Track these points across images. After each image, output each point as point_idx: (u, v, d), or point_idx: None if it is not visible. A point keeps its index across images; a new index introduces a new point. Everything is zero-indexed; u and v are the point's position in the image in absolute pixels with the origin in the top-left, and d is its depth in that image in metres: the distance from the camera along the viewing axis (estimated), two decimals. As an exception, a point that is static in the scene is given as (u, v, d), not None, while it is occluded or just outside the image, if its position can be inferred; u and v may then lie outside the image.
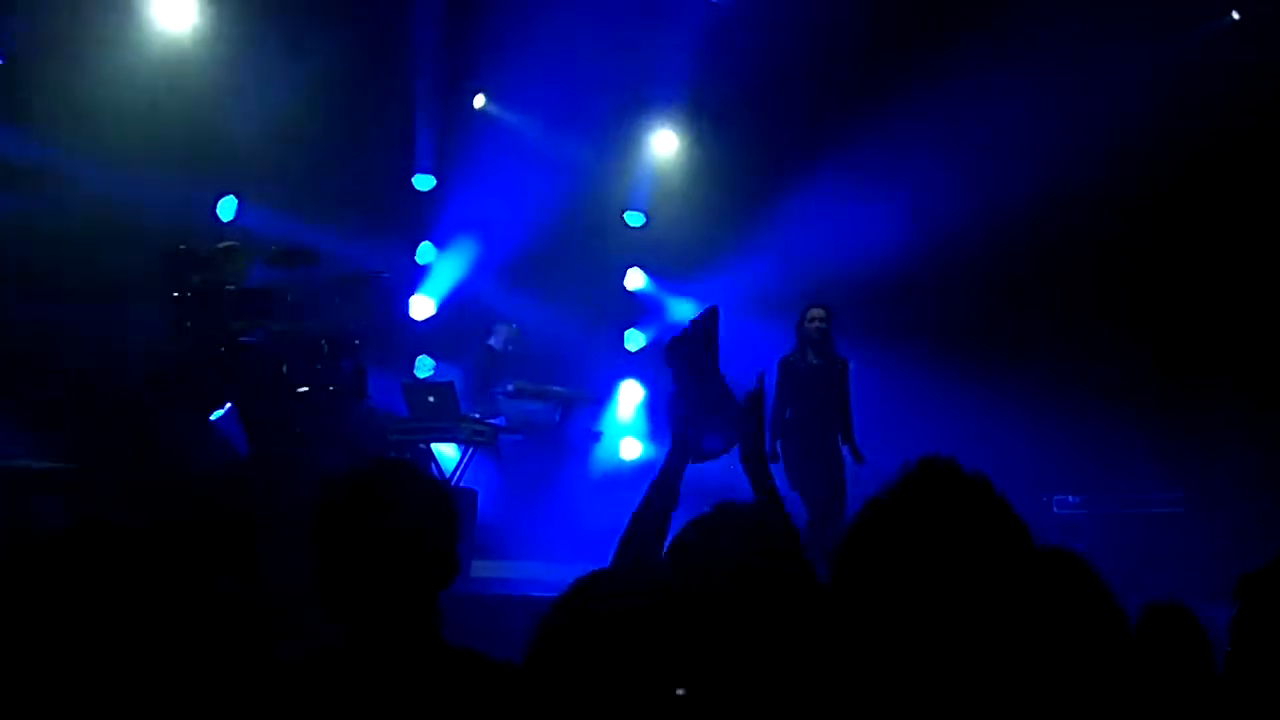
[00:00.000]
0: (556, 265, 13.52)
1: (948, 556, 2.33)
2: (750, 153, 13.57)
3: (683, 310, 14.06)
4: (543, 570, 10.32)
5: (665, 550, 3.31)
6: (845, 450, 10.25)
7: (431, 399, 11.08)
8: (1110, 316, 12.33)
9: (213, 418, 10.14)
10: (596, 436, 12.55)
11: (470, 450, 11.20)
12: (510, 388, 11.81)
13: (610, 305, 14.26)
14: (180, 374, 9.91)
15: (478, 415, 11.29)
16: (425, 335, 13.32)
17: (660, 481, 3.82)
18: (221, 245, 10.73)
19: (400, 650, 2.83)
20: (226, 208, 11.85)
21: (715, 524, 3.16)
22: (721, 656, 2.65)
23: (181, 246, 10.65)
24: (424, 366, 13.18)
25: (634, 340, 14.37)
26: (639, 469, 13.65)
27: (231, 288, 10.47)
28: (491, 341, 12.41)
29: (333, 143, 12.50)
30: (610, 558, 3.66)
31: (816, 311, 10.39)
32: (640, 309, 14.48)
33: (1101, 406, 12.04)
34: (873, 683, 2.35)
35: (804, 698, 2.59)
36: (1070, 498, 11.60)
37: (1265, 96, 11.60)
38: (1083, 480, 11.76)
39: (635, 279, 14.40)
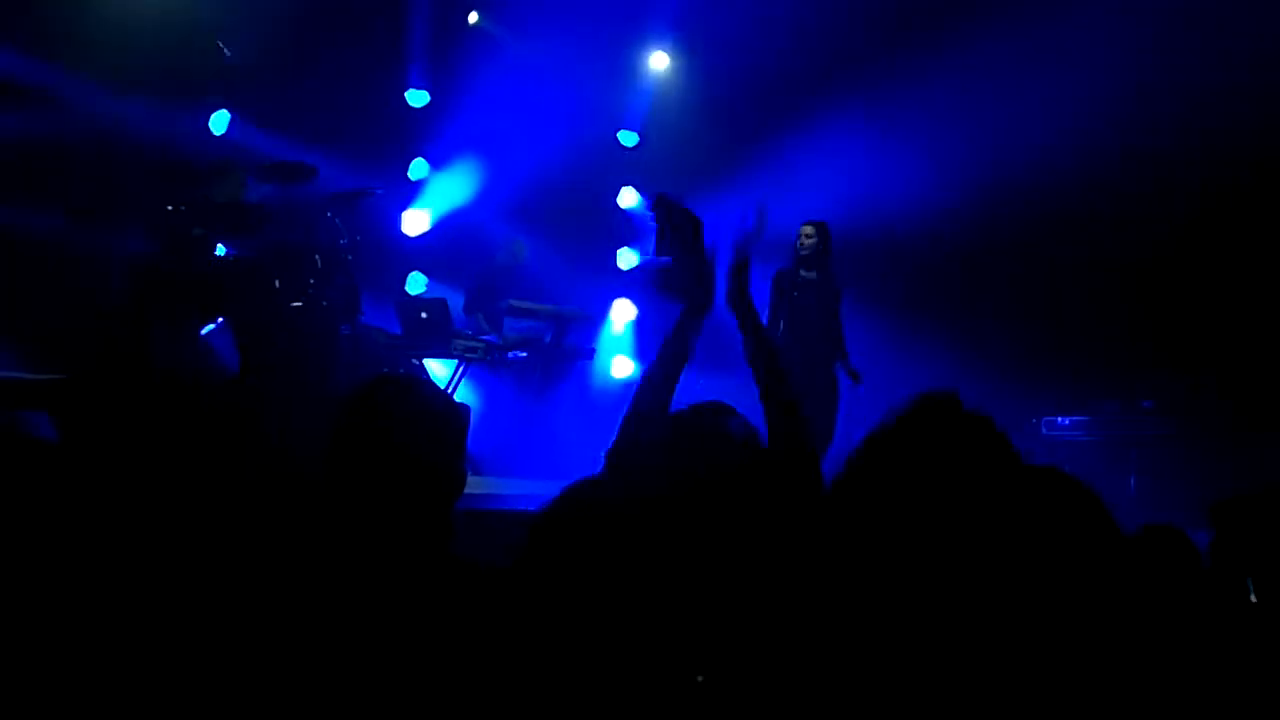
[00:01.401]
0: (549, 183, 13.46)
1: (946, 485, 2.37)
2: (752, 80, 13.42)
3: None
4: (535, 486, 10.36)
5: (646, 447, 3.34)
6: (839, 370, 10.30)
7: (424, 315, 11.08)
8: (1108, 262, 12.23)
9: (203, 332, 10.13)
10: (589, 354, 12.55)
11: (463, 366, 11.21)
12: (505, 305, 11.81)
13: (603, 224, 14.23)
14: (172, 288, 9.88)
15: (470, 332, 11.29)
16: (419, 251, 13.29)
17: (671, 340, 3.83)
18: (217, 161, 10.67)
19: (412, 563, 2.85)
20: (219, 122, 11.78)
21: (691, 425, 3.20)
22: (700, 564, 2.66)
23: (173, 162, 10.61)
24: (417, 283, 13.16)
25: (626, 259, 14.35)
26: (631, 387, 13.68)
27: (222, 202, 10.43)
28: (499, 258, 12.41)
29: (325, 58, 12.41)
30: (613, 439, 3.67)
31: (806, 229, 10.43)
32: (633, 228, 14.43)
33: (1093, 326, 12.04)
34: (870, 598, 2.38)
35: (788, 607, 2.60)
36: (1061, 419, 11.64)
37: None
38: (1073, 402, 11.80)
39: (628, 198, 14.35)
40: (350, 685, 2.64)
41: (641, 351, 13.93)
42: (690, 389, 3.93)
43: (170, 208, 10.17)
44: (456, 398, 10.96)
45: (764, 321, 9.68)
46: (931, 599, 2.37)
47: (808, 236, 10.39)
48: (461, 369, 11.25)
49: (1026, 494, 2.49)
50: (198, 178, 10.39)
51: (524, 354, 11.72)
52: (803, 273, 10.36)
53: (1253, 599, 3.46)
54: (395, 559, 2.84)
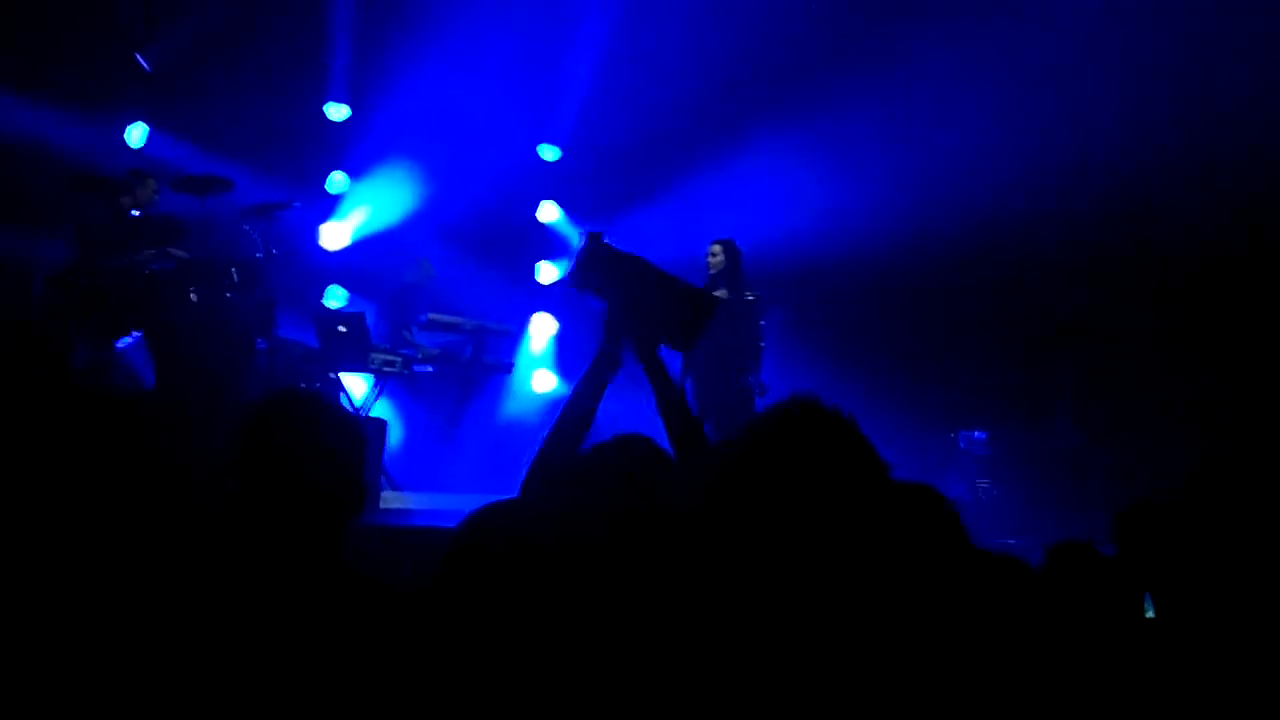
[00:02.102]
0: (470, 197, 13.44)
1: (806, 486, 2.41)
2: (681, 97, 13.43)
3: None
4: (453, 501, 10.34)
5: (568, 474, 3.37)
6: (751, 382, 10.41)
7: (342, 329, 11.03)
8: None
9: (120, 346, 10.04)
10: (509, 369, 12.55)
11: (382, 381, 11.17)
12: (423, 319, 11.78)
13: (523, 238, 14.23)
14: (89, 300, 9.79)
15: (388, 346, 11.26)
16: (337, 265, 13.24)
17: (581, 391, 3.88)
18: (130, 171, 10.59)
19: (305, 576, 2.85)
20: (136, 135, 11.70)
21: (611, 453, 3.24)
22: (604, 587, 2.66)
23: (88, 173, 10.53)
24: (335, 296, 13.11)
25: (546, 273, 14.36)
26: (551, 401, 13.70)
27: (138, 214, 10.36)
28: (407, 277, 12.38)
29: (245, 71, 12.36)
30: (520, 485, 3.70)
31: (714, 247, 10.68)
32: (553, 242, 14.45)
33: (1016, 345, 12.17)
34: (740, 609, 2.42)
35: (679, 625, 2.63)
36: (977, 433, 11.76)
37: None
38: (991, 417, 11.91)
39: (548, 212, 14.36)
40: (236, 701, 2.63)
41: (562, 365, 13.95)
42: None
43: (81, 222, 10.09)
44: (374, 413, 10.93)
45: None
46: (784, 607, 2.43)
47: (714, 255, 10.62)
48: (380, 383, 11.21)
49: (883, 511, 2.55)
50: (111, 188, 10.31)
51: (448, 367, 11.70)
52: (720, 291, 10.42)
53: (1149, 615, 3.52)
54: (289, 573, 2.85)
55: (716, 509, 2.54)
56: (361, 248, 13.29)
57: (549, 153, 14.16)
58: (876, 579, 2.50)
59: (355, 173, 13.39)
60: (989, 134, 12.13)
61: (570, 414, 3.86)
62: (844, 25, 12.74)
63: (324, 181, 13.26)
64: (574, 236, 14.33)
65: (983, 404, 12.05)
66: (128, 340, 10.02)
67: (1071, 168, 11.93)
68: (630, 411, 4.04)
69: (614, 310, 4.00)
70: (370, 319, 11.27)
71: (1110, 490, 10.36)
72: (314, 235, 13.07)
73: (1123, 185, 11.78)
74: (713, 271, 10.55)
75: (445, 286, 12.52)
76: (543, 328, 14.07)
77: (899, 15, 12.44)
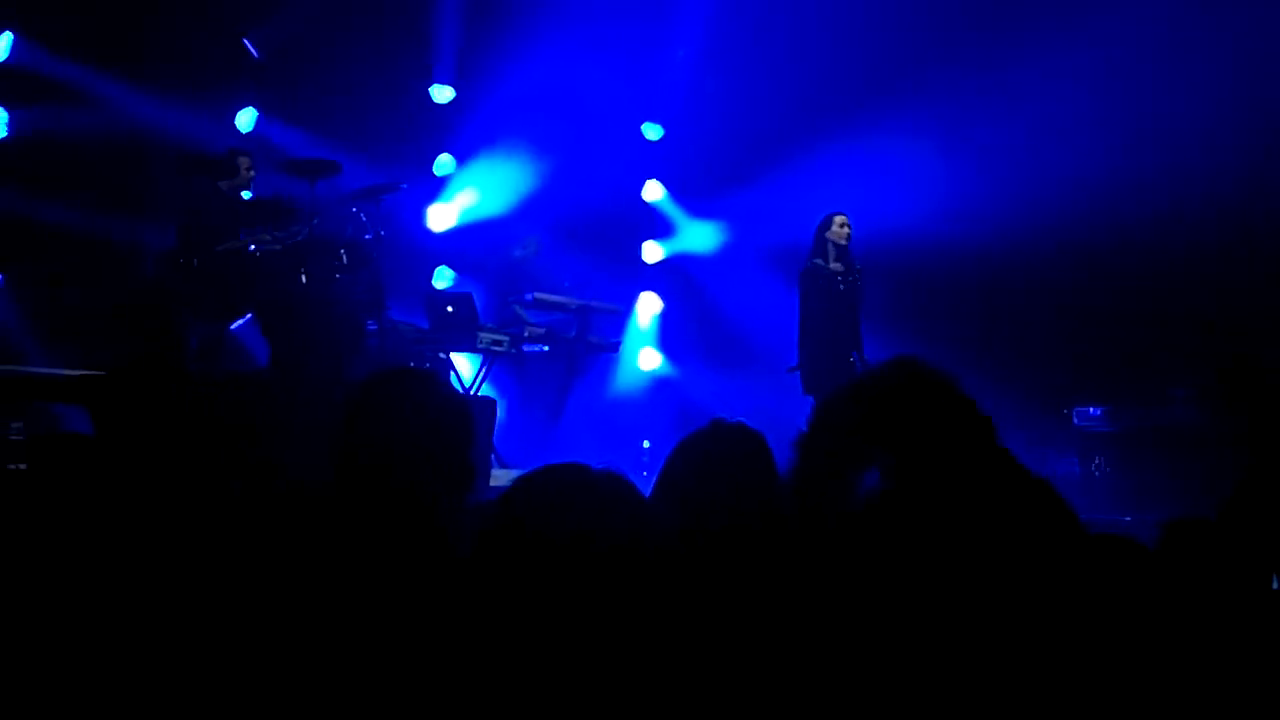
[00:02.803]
0: (575, 177, 13.46)
1: (910, 447, 2.32)
2: (784, 78, 13.30)
3: (698, 230, 14.09)
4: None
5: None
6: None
7: (450, 309, 11.10)
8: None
9: (232, 327, 10.18)
10: (615, 347, 12.55)
11: (489, 360, 11.23)
12: (530, 298, 11.82)
13: (628, 217, 14.23)
14: (201, 283, 9.93)
15: (496, 325, 11.31)
16: (445, 247, 13.33)
17: None
18: (228, 150, 10.73)
19: (411, 554, 2.85)
20: (245, 120, 11.85)
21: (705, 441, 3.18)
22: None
23: (191, 155, 10.70)
24: (443, 277, 13.20)
25: (652, 252, 14.34)
26: (656, 379, 13.71)
27: (248, 195, 10.51)
28: (515, 252, 12.43)
29: (351, 55, 12.45)
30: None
31: (844, 217, 10.49)
32: (657, 221, 14.43)
33: (1130, 317, 11.93)
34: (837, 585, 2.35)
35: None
36: (1092, 409, 11.55)
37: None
38: (1107, 392, 11.69)
39: (653, 191, 14.34)
40: (343, 681, 2.64)
41: (666, 344, 13.95)
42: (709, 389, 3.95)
43: (197, 203, 10.25)
44: (483, 391, 10.98)
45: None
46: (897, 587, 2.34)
47: (848, 226, 10.49)
48: (488, 362, 11.26)
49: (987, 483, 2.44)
50: (211, 168, 10.46)
51: (555, 346, 11.73)
52: (834, 265, 10.38)
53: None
54: (395, 553, 2.85)
55: (810, 472, 2.45)
56: (468, 228, 13.38)
57: (653, 132, 14.14)
58: (985, 554, 2.41)
59: (461, 154, 13.46)
60: (1110, 116, 11.94)
61: None
62: (965, 4, 12.56)
63: (431, 164, 13.34)
64: (678, 215, 14.33)
65: (1099, 380, 11.83)
66: (240, 322, 10.16)
67: (1197, 150, 11.65)
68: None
69: None
70: (478, 299, 11.32)
71: (1230, 468, 10.14)
72: (421, 217, 13.17)
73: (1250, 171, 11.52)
74: (843, 244, 10.47)
75: (551, 266, 12.55)
76: (648, 306, 14.07)
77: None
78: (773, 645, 2.45)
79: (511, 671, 2.27)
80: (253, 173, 10.63)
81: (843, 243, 10.46)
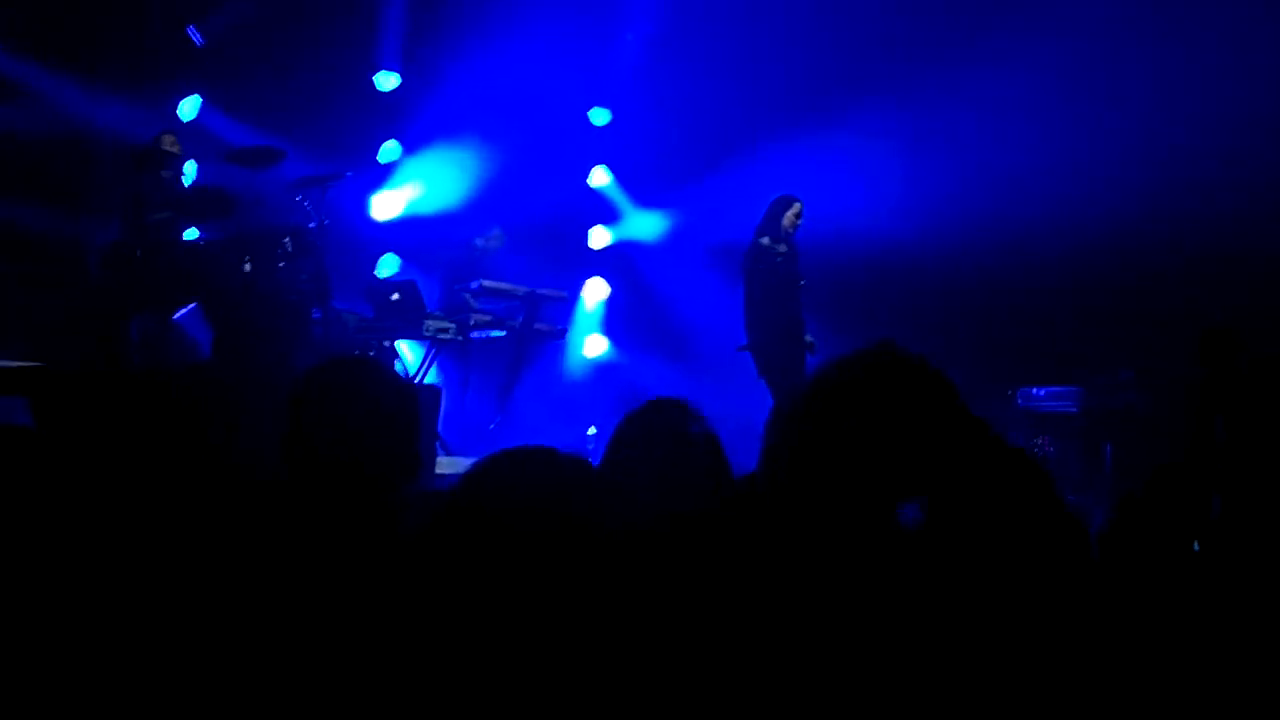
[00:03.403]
0: (520, 162, 13.44)
1: (882, 440, 2.27)
2: (735, 64, 13.28)
3: (644, 219, 14.11)
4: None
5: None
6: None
7: (395, 297, 11.06)
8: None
9: (175, 317, 10.11)
10: (562, 334, 12.54)
11: (435, 348, 11.20)
12: (476, 286, 11.79)
13: (574, 203, 14.22)
14: (145, 274, 9.87)
15: (441, 313, 11.27)
16: (390, 235, 13.28)
17: None
18: (156, 136, 10.64)
19: (359, 542, 2.85)
20: (188, 108, 11.77)
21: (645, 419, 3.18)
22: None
23: (127, 146, 10.63)
24: (388, 265, 13.15)
25: (598, 238, 14.35)
26: (602, 366, 13.72)
27: (190, 185, 10.46)
28: (477, 242, 12.40)
29: (296, 42, 12.37)
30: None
31: (800, 205, 10.53)
32: (604, 207, 14.44)
33: (1070, 297, 12.01)
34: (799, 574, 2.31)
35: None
36: (1036, 390, 11.65)
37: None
38: (1049, 374, 11.78)
39: (600, 177, 14.33)
40: (298, 668, 2.63)
41: (612, 330, 13.97)
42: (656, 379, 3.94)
43: (137, 194, 10.17)
44: (428, 380, 10.96)
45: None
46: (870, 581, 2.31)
47: (801, 215, 10.48)
48: (433, 351, 11.23)
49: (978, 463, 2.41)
50: (143, 157, 10.37)
51: (502, 333, 11.71)
52: (783, 250, 10.42)
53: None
54: (342, 540, 2.85)
55: (794, 465, 2.40)
56: (413, 216, 13.34)
57: (600, 117, 14.12)
58: (979, 543, 2.38)
59: (407, 141, 13.41)
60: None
61: None
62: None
63: (375, 151, 13.28)
64: (625, 202, 14.33)
65: (1042, 361, 11.91)
66: (184, 311, 10.10)
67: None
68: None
69: None
70: (423, 287, 11.29)
71: (1170, 449, 10.26)
72: (366, 205, 13.11)
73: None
74: (793, 230, 10.51)
75: (498, 253, 12.52)
76: (595, 292, 14.07)
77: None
78: (741, 629, 2.45)
79: (475, 656, 2.27)
80: (178, 149, 10.54)
81: (792, 230, 10.50)
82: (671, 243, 14.06)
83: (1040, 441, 11.25)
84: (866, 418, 2.31)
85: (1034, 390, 11.67)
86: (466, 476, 2.44)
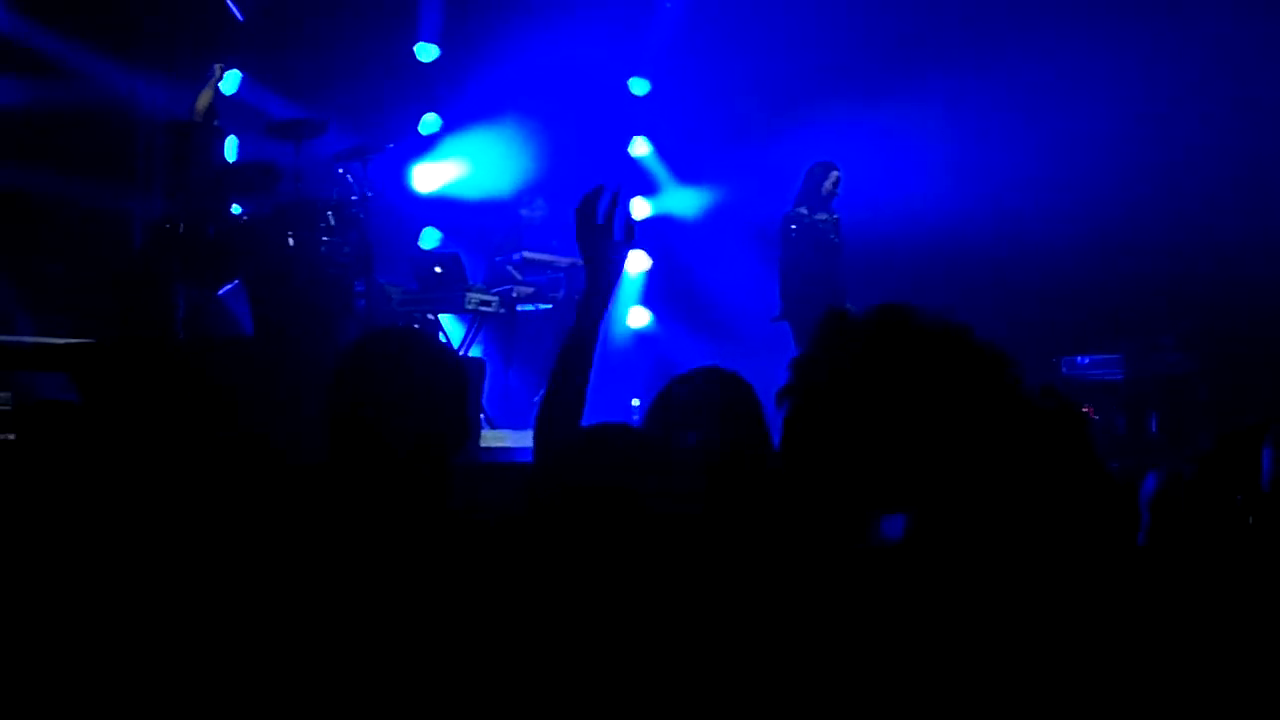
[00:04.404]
0: (561, 133, 13.42)
1: (911, 407, 2.15)
2: (777, 42, 13.18)
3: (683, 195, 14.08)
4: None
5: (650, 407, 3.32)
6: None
7: (438, 269, 11.07)
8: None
9: (220, 293, 10.16)
10: (603, 304, 12.50)
11: (477, 321, 11.20)
12: (518, 258, 11.79)
13: (615, 173, 14.18)
14: (188, 249, 9.91)
15: (484, 285, 11.27)
16: (432, 207, 13.28)
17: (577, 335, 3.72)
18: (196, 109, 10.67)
19: (411, 515, 2.84)
20: (230, 82, 11.77)
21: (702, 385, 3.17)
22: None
23: (176, 120, 10.66)
24: (430, 238, 13.16)
25: (639, 209, 14.31)
26: (645, 336, 13.70)
27: (232, 161, 10.49)
28: (522, 211, 12.39)
29: (335, 14, 12.37)
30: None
31: (838, 173, 10.46)
32: (644, 177, 14.40)
33: (1110, 264, 11.91)
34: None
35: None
36: (1080, 358, 11.56)
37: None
38: (1092, 341, 11.69)
39: (640, 147, 14.30)
40: (342, 645, 2.62)
41: (653, 301, 13.94)
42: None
43: (182, 167, 10.22)
44: (473, 352, 10.97)
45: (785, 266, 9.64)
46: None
47: (839, 180, 10.41)
48: (476, 323, 11.24)
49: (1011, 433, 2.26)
50: (186, 131, 10.41)
51: (546, 306, 11.70)
52: (821, 216, 10.36)
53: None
54: (394, 513, 2.83)
55: (801, 438, 2.29)
56: (455, 188, 13.36)
57: (639, 87, 14.08)
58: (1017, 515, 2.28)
59: (447, 113, 13.40)
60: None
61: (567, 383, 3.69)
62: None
63: (416, 124, 13.28)
64: (663, 172, 14.30)
65: (1087, 329, 11.81)
66: (228, 287, 10.14)
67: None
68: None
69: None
70: (465, 259, 11.29)
71: (1216, 417, 10.17)
72: (407, 177, 13.12)
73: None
74: (830, 197, 10.45)
75: (540, 224, 12.50)
76: (636, 263, 14.05)
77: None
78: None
79: (567, 639, 2.25)
80: (220, 126, 10.57)
81: (831, 198, 10.44)
82: (711, 219, 14.01)
83: (1086, 409, 11.16)
84: (878, 384, 2.19)
85: (1078, 359, 11.57)
86: (553, 457, 2.42)
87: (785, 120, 12.88)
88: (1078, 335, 11.78)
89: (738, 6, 13.24)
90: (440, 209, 13.32)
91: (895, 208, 12.12)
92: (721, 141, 13.71)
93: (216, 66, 10.64)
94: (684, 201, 14.23)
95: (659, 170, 14.35)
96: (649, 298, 14.06)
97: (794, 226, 10.36)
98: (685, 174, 14.22)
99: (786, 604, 2.24)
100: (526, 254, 11.79)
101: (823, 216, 10.39)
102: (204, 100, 10.53)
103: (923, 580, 2.20)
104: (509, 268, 11.77)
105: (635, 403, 11.77)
